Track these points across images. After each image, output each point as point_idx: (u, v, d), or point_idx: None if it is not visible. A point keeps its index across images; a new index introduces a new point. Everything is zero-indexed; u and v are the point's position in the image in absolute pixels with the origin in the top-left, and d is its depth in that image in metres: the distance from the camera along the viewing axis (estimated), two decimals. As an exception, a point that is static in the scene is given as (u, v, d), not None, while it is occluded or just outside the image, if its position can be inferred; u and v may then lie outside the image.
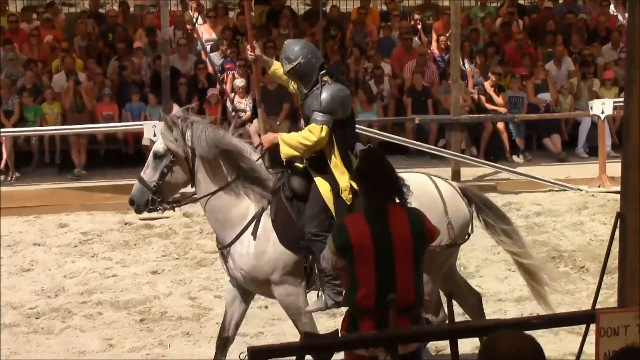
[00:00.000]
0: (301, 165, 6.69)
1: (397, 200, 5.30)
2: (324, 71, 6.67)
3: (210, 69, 15.19)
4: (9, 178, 13.67)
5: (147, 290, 9.43)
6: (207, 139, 6.65)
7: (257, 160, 6.79)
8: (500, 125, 14.80)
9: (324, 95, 6.53)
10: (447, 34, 15.25)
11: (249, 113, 14.64)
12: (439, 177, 7.06)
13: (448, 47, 15.07)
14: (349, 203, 6.44)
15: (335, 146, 6.51)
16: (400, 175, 6.62)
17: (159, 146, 6.81)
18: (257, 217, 6.66)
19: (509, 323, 5.37)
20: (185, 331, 8.36)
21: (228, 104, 14.76)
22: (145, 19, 16.51)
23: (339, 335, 5.03)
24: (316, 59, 6.67)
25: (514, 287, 9.15)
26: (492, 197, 12.70)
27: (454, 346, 4.72)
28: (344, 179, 6.45)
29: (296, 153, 6.59)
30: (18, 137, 13.99)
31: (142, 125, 12.91)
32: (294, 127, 14.73)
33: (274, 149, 6.77)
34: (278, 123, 14.43)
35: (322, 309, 6.78)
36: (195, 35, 15.78)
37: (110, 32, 16.04)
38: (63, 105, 14.35)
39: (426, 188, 6.70)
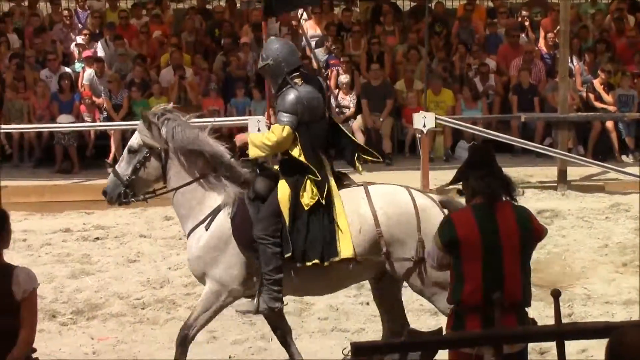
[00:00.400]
0: (274, 167, 6.80)
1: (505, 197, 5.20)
2: (296, 73, 6.68)
3: (314, 64, 15.23)
4: (117, 170, 13.95)
5: (252, 284, 9.48)
6: (181, 136, 6.79)
7: (231, 158, 6.86)
8: (610, 124, 14.44)
9: (290, 96, 6.58)
10: (555, 31, 14.95)
11: (352, 109, 14.63)
12: (419, 191, 6.99)
13: (556, 44, 14.80)
14: (306, 209, 6.46)
15: (301, 148, 6.53)
16: (378, 186, 6.80)
17: (133, 141, 6.98)
18: (214, 213, 6.74)
19: (618, 326, 5.22)
20: (287, 325, 8.38)
21: (332, 100, 14.77)
22: (251, 14, 16.66)
23: (444, 333, 4.97)
24: (287, 64, 6.66)
25: (622, 289, 8.92)
26: (600, 197, 12.61)
27: (560, 348, 4.61)
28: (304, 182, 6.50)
29: (261, 153, 6.68)
30: (126, 131, 14.26)
31: (246, 120, 13.02)
32: (398, 123, 14.71)
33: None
34: (381, 119, 14.40)
35: (251, 312, 6.89)
36: (300, 31, 15.85)
37: (217, 27, 16.24)
38: (170, 99, 14.58)
39: (401, 202, 6.63)
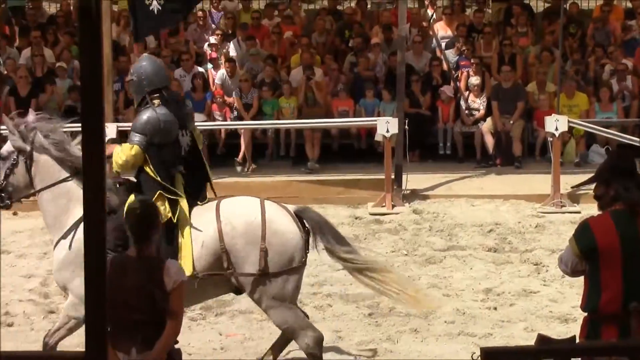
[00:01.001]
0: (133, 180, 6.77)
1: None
2: (156, 94, 6.70)
3: (445, 66, 15.09)
4: (246, 169, 14.15)
5: (376, 284, 9.45)
6: (46, 143, 6.82)
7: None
8: None
9: (143, 117, 6.63)
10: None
11: (482, 112, 14.44)
12: (275, 203, 6.83)
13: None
14: (163, 220, 6.37)
15: (152, 167, 6.57)
16: (230, 200, 6.75)
17: (3, 148, 7.00)
18: (76, 225, 6.64)
19: None
20: (413, 328, 8.32)
21: (462, 102, 14.61)
22: (381, 15, 16.64)
23: (577, 341, 4.82)
24: (149, 83, 6.71)
25: None
26: None
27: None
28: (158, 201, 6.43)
29: (116, 168, 6.70)
30: (256, 130, 14.45)
31: (375, 121, 12.99)
32: (529, 126, 14.42)
33: None
34: (512, 122, 14.15)
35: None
36: (431, 32, 15.73)
37: (348, 28, 16.29)
38: (299, 99, 14.70)
39: (249, 211, 6.59)
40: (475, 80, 14.51)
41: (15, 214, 12.43)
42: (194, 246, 6.55)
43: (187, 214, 6.59)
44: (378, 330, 8.33)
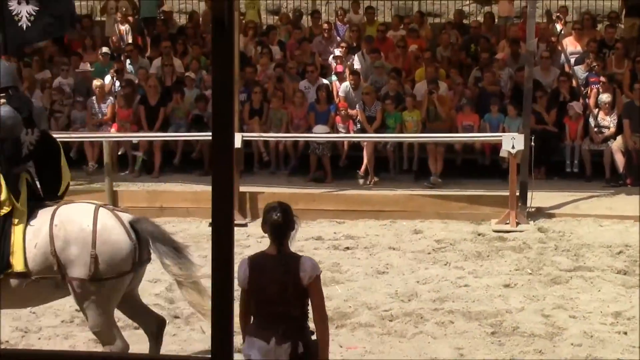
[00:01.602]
0: None
1: None
2: (3, 94, 6.84)
3: (573, 82, 14.76)
4: (368, 182, 14.13)
5: (499, 303, 9.28)
6: None
7: None
8: None
9: None
10: None
11: (613, 129, 14.05)
12: (111, 211, 6.84)
13: None
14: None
15: None
16: (68, 205, 6.80)
17: None
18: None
19: None
20: (537, 349, 8.11)
21: (591, 119, 14.25)
22: (509, 30, 16.41)
23: None
24: None
25: None
26: None
27: None
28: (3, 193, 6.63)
29: None
30: (378, 143, 14.42)
31: (500, 136, 12.78)
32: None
33: None
34: (644, 141, 13.72)
35: None
36: (560, 48, 15.42)
37: (473, 42, 16.11)
38: (422, 113, 14.60)
39: (82, 219, 6.65)
40: (605, 97, 14.13)
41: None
42: (28, 246, 6.65)
43: (25, 213, 6.71)
44: (501, 350, 8.15)
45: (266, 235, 5.44)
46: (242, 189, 12.77)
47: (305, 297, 5.33)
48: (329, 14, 19.50)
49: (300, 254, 5.56)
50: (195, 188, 13.51)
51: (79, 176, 14.28)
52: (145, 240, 6.81)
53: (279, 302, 5.27)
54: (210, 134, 11.88)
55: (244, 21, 16.91)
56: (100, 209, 6.77)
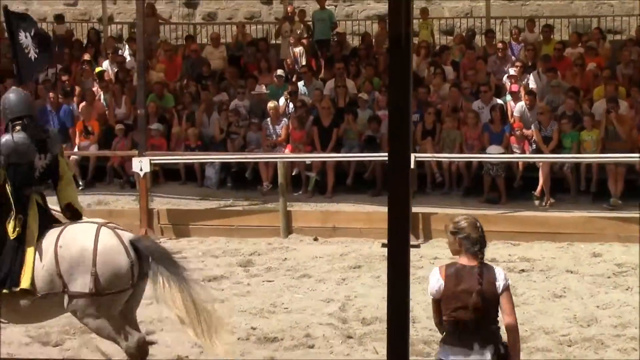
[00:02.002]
0: None
1: None
2: (18, 122, 7.35)
3: None
4: (544, 203, 13.78)
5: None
6: None
7: None
8: None
9: (3, 139, 7.30)
10: None
11: None
12: (112, 230, 7.13)
13: None
14: (12, 237, 7.05)
15: (7, 185, 7.17)
16: (74, 225, 7.22)
17: None
18: None
19: None
20: None
21: None
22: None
23: None
24: (10, 112, 7.42)
25: None
26: None
27: None
28: (14, 221, 7.06)
29: None
30: (555, 163, 14.06)
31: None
32: None
33: None
34: None
35: None
36: None
37: (656, 60, 15.53)
38: (601, 133, 14.14)
39: (84, 238, 7.05)
40: None
41: (315, 239, 12.87)
42: (37, 266, 7.06)
43: (35, 235, 7.14)
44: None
45: (458, 246, 5.63)
46: (415, 209, 12.70)
47: (497, 304, 5.58)
48: (504, 33, 19.25)
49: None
50: (368, 208, 13.55)
51: (254, 196, 14.60)
52: (146, 257, 7.12)
53: (477, 310, 5.50)
54: (383, 154, 12.07)
55: (416, 41, 16.90)
56: (102, 228, 7.16)
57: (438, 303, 5.62)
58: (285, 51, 17.91)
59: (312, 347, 8.06)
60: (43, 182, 7.47)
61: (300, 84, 16.36)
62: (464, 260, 5.63)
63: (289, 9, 19.19)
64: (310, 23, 18.69)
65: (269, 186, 14.66)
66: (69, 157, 15.35)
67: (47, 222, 7.32)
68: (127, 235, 7.22)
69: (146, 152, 13.69)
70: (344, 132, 15.10)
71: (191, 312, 7.14)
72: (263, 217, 13.47)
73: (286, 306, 9.83)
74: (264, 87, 16.40)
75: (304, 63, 17.23)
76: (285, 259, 11.94)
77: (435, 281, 5.58)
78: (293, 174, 14.78)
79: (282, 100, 15.82)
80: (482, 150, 14.43)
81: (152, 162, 13.63)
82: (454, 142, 14.63)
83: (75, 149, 15.58)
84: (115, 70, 17.24)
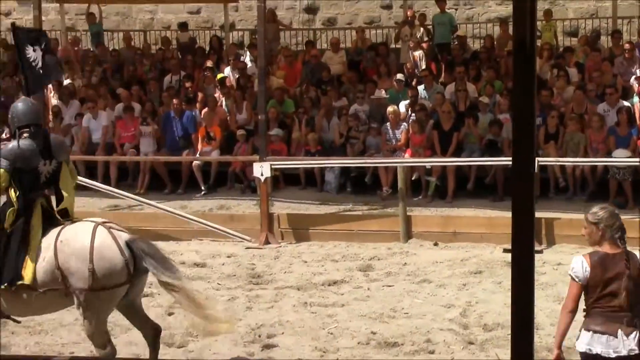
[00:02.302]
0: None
1: None
2: (26, 129, 7.73)
3: None
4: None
5: None
6: None
7: None
8: None
9: (9, 145, 7.74)
10: None
11: None
12: (108, 230, 7.50)
13: None
14: (7, 230, 7.51)
15: (13, 188, 7.58)
16: (74, 224, 7.63)
17: None
18: None
19: None
20: None
21: None
22: None
23: None
24: (18, 120, 7.80)
25: None
26: None
27: None
28: (11, 214, 7.53)
29: None
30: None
31: None
32: None
33: None
34: None
35: None
36: None
37: None
38: None
39: (83, 236, 7.46)
40: None
41: (436, 244, 12.78)
42: (39, 261, 7.48)
43: (38, 233, 7.58)
44: None
45: (599, 236, 5.75)
46: (538, 214, 12.42)
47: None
48: (631, 33, 18.74)
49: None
50: (489, 213, 13.37)
51: (373, 201, 14.59)
52: (139, 256, 7.51)
53: (622, 295, 5.65)
54: (504, 159, 11.85)
55: (539, 43, 16.60)
56: (99, 227, 7.56)
57: (579, 289, 5.74)
58: (405, 55, 17.85)
59: (432, 352, 7.99)
60: (48, 187, 7.88)
61: (421, 88, 16.28)
62: (606, 248, 5.76)
63: (408, 13, 19.13)
64: (430, 27, 18.59)
65: (389, 191, 14.62)
66: (190, 163, 15.72)
67: (51, 222, 7.73)
68: (123, 235, 7.61)
69: (267, 157, 13.84)
70: (465, 136, 14.95)
71: (190, 307, 7.60)
72: (383, 221, 13.45)
73: (406, 311, 9.78)
74: (383, 92, 16.38)
75: (423, 67, 17.14)
76: (405, 263, 11.89)
77: (581, 267, 5.72)
78: (413, 178, 14.70)
79: (402, 106, 15.75)
80: (608, 154, 14.05)
81: (272, 167, 13.77)
82: (577, 146, 14.30)
83: (198, 155, 15.89)
84: (237, 76, 17.50)
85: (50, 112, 16.69)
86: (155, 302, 10.30)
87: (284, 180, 15.58)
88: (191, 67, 18.17)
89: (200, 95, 17.01)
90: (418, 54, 17.47)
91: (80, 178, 14.73)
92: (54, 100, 17.30)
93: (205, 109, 16.27)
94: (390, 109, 15.38)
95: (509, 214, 3.96)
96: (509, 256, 12.00)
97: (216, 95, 16.99)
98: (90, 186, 14.66)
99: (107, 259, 7.41)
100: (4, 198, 7.78)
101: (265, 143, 14.04)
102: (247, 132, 15.93)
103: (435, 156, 14.80)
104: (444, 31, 18.22)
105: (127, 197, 14.50)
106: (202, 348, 8.82)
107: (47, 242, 7.55)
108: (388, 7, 22.54)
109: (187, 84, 17.53)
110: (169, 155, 15.99)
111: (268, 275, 11.50)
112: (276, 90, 16.47)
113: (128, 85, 17.64)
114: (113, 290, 7.51)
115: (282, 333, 9.16)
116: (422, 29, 18.36)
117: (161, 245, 12.84)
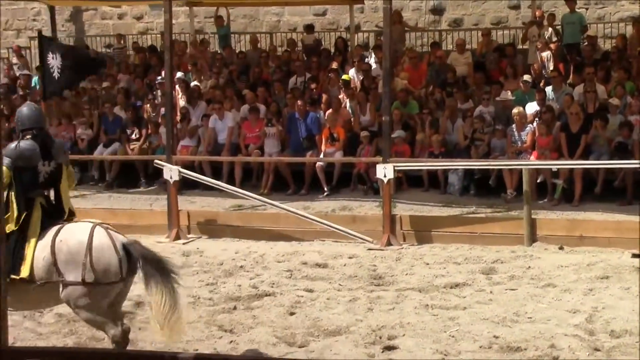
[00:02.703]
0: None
1: None
2: (29, 131, 8.24)
3: None
4: None
5: None
6: None
7: None
8: None
9: (11, 145, 8.18)
10: None
11: None
12: (106, 231, 7.98)
13: None
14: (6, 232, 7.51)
15: (14, 186, 7.99)
16: (73, 224, 8.09)
17: None
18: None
19: None
20: None
21: None
22: None
23: None
24: (21, 123, 8.32)
25: None
26: None
27: None
28: (11, 213, 7.91)
29: None
30: None
31: None
32: None
33: None
34: None
35: None
36: None
37: None
38: None
39: (81, 235, 7.92)
40: None
41: (561, 248, 12.50)
42: (37, 258, 7.90)
43: (37, 230, 8.00)
44: None
45: None
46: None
47: None
48: None
49: None
50: (618, 217, 13.01)
51: (497, 203, 14.38)
52: (135, 259, 7.94)
53: None
54: (634, 162, 11.59)
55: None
56: (97, 227, 8.02)
57: None
58: (533, 56, 17.53)
59: (556, 358, 7.81)
60: (47, 187, 8.33)
61: (549, 89, 15.95)
62: None
63: (537, 13, 18.78)
64: (559, 27, 18.21)
65: (513, 194, 14.38)
66: (314, 164, 15.82)
67: (50, 221, 8.13)
68: (119, 237, 8.08)
69: (390, 159, 13.80)
70: (593, 139, 14.58)
71: (163, 314, 7.94)
72: (506, 224, 13.23)
73: (530, 315, 9.59)
74: (509, 93, 16.12)
75: (551, 68, 16.80)
76: (529, 267, 11.66)
77: None
78: (538, 181, 14.43)
79: (529, 108, 15.47)
80: None
81: (395, 168, 13.71)
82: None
83: (321, 156, 15.97)
84: (361, 78, 17.52)
85: (178, 113, 17.06)
86: (277, 302, 10.40)
87: (406, 182, 15.52)
88: (316, 69, 18.29)
89: (324, 96, 17.10)
90: (546, 54, 17.13)
91: (205, 178, 15.26)
92: (181, 102, 17.68)
93: (330, 111, 16.35)
94: (515, 110, 15.13)
95: (638, 219, 3.84)
96: (637, 261, 11.75)
97: (340, 96, 17.05)
98: (215, 186, 14.95)
99: (103, 257, 7.87)
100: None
101: (388, 144, 14.00)
102: (370, 133, 15.93)
103: (562, 158, 14.49)
104: (574, 31, 17.82)
105: (251, 197, 14.69)
106: (323, 348, 8.85)
107: (46, 239, 7.98)
108: (516, 7, 22.18)
109: (312, 86, 17.65)
110: (293, 156, 16.13)
111: (389, 277, 11.47)
112: (400, 92, 16.41)
113: (254, 86, 17.89)
114: (106, 287, 7.95)
115: (403, 335, 9.11)
116: (550, 29, 17.99)
117: (283, 245, 13.26)
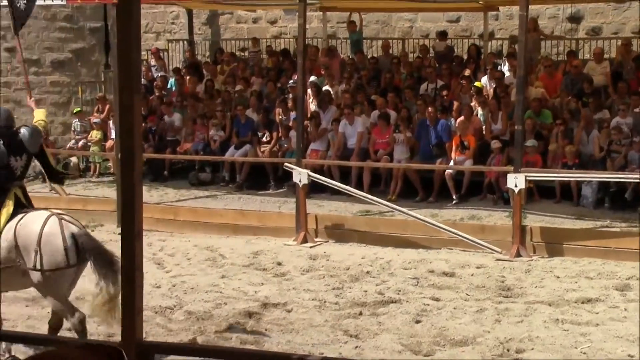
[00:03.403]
0: None
1: None
2: None
3: None
4: None
5: None
6: None
7: None
8: None
9: None
10: None
11: None
12: (60, 220, 8.45)
13: None
14: None
15: None
16: (34, 212, 8.62)
17: None
18: None
19: None
20: None
21: None
22: None
23: None
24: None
25: None
26: None
27: None
28: None
29: None
30: None
31: None
32: None
33: None
34: None
35: None
36: None
37: None
38: None
39: (35, 223, 8.45)
40: None
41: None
42: (1, 241, 8.42)
43: (6, 217, 8.51)
44: None
45: None
46: None
47: None
48: None
49: None
50: None
51: (633, 218, 13.94)
52: (83, 249, 8.39)
53: None
54: None
55: None
56: (52, 217, 8.50)
57: None
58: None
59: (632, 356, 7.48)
60: (23, 178, 8.94)
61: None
62: None
63: (680, 22, 18.15)
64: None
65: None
66: (443, 171, 15.66)
67: (21, 209, 8.66)
68: (71, 227, 8.51)
69: (521, 169, 13.54)
70: None
71: (103, 301, 8.33)
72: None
73: (666, 336, 9.24)
74: (648, 104, 15.61)
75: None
76: (666, 285, 11.26)
77: None
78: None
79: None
80: None
81: (527, 178, 13.45)
82: None
83: (451, 163, 15.80)
84: (494, 85, 17.27)
85: (309, 116, 17.17)
86: (403, 309, 10.33)
87: (538, 193, 15.20)
88: (448, 76, 18.11)
89: (455, 104, 16.92)
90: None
91: (334, 182, 15.30)
92: (312, 106, 17.78)
93: (461, 118, 16.16)
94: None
95: None
96: None
97: (472, 104, 16.84)
98: (344, 191, 14.96)
99: (50, 244, 8.36)
100: None
101: (520, 154, 13.74)
102: (502, 142, 15.67)
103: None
104: None
105: (379, 203, 14.64)
106: (449, 358, 8.73)
107: (10, 224, 8.54)
108: (659, 15, 21.47)
109: (444, 93, 17.49)
110: (422, 163, 16.01)
111: (518, 289, 11.24)
112: (534, 101, 16.09)
113: (384, 92, 17.84)
114: (57, 272, 8.41)
115: (532, 349, 8.92)
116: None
117: (410, 252, 13.17)
